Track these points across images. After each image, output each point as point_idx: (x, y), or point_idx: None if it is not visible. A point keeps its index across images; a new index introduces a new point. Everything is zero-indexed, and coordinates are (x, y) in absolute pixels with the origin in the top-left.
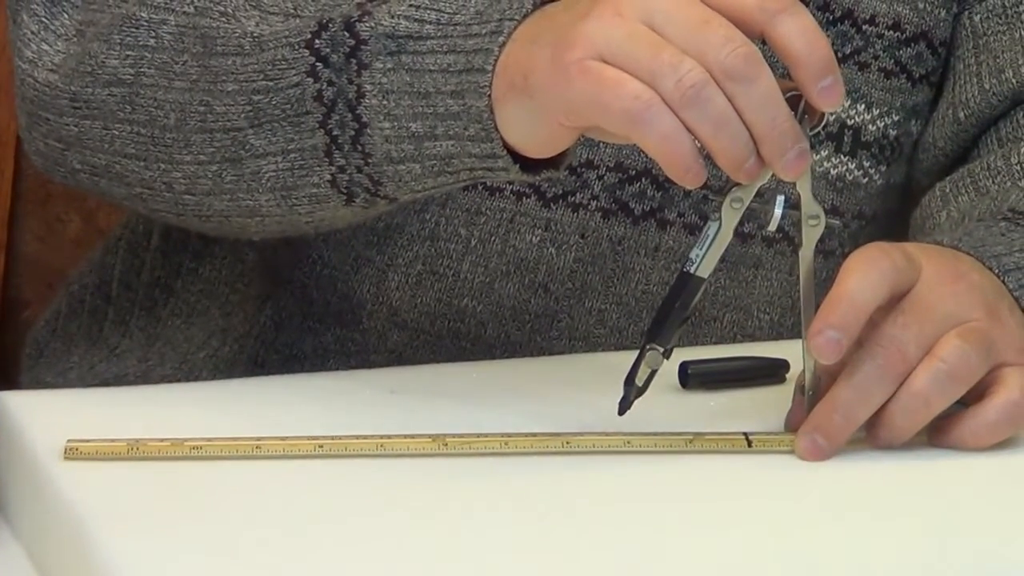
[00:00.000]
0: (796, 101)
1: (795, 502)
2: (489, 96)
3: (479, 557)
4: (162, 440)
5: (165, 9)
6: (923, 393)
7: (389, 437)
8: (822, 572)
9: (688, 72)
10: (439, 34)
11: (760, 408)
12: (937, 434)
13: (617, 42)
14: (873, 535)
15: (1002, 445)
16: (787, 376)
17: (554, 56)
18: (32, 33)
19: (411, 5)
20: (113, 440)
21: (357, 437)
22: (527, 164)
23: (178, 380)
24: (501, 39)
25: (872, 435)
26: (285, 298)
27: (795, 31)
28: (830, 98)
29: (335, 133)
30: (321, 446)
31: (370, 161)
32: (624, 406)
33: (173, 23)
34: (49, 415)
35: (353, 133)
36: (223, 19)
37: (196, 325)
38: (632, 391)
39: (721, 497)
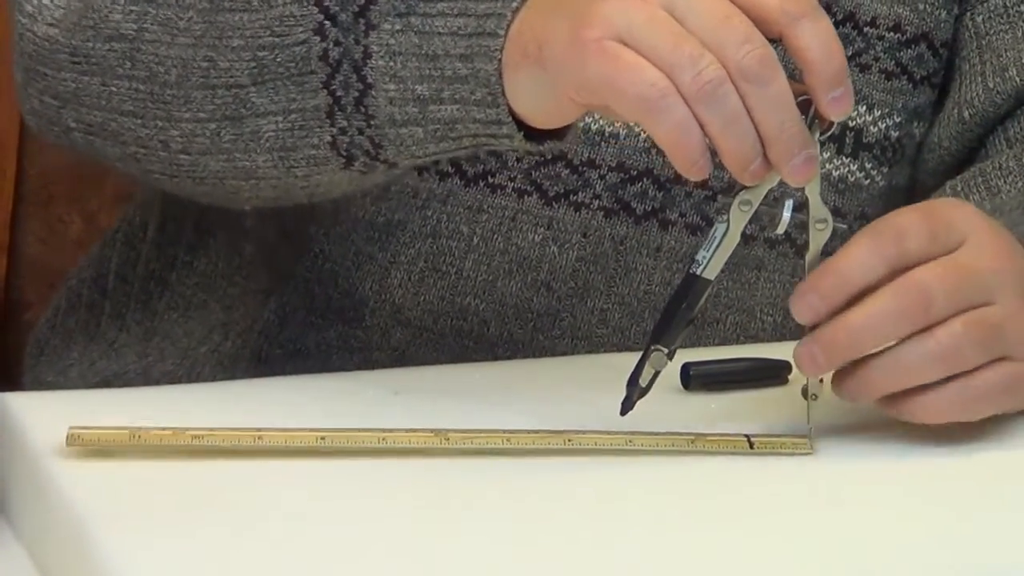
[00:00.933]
0: (806, 106)
1: (796, 504)
2: (499, 61)
3: (480, 554)
4: (163, 429)
5: None
6: (908, 366)
7: (391, 431)
8: (823, 573)
9: (707, 67)
10: None
11: (762, 410)
12: (891, 403)
13: (638, 26)
14: (874, 536)
15: (1003, 444)
16: (789, 378)
17: (572, 31)
18: None
19: None
20: (115, 428)
21: (359, 430)
22: (530, 135)
23: (180, 375)
24: (514, 4)
25: (841, 380)
26: (288, 293)
27: (814, 38)
28: (840, 108)
29: (339, 94)
30: (323, 438)
31: (372, 123)
32: (627, 406)
33: None
34: (50, 415)
35: (357, 94)
36: None
37: (195, 319)
38: (635, 391)
39: (722, 498)
